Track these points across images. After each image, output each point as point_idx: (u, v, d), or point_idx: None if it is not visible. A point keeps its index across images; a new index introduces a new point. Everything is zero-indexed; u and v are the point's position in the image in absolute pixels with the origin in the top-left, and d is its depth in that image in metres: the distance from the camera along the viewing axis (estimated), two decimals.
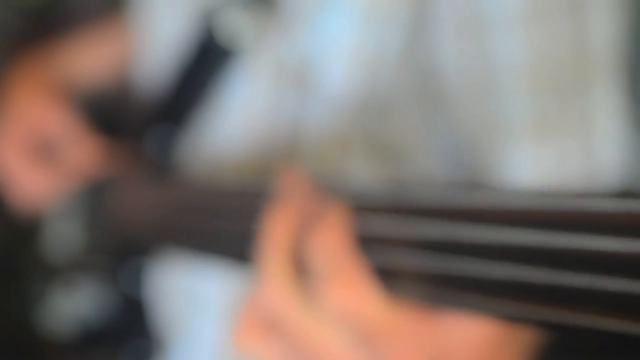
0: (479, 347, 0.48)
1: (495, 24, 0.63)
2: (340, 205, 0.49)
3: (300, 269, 0.50)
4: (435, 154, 0.70)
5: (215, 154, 0.74)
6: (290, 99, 0.70)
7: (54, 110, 0.88)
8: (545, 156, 0.65)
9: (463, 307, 0.43)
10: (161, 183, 0.75)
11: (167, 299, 0.80)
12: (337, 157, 0.70)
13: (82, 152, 0.85)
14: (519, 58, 0.63)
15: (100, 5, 1.06)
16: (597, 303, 0.35)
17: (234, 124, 0.73)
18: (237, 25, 0.70)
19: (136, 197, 0.77)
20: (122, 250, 0.81)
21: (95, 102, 0.91)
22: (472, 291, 0.42)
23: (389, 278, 0.47)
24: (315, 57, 0.68)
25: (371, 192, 0.52)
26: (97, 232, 0.84)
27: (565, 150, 0.65)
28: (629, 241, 0.34)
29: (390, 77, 0.67)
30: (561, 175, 0.65)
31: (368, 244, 0.48)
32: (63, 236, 0.88)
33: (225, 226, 0.60)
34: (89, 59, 0.93)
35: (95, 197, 0.83)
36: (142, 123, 0.80)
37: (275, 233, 0.51)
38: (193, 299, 0.77)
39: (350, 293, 0.47)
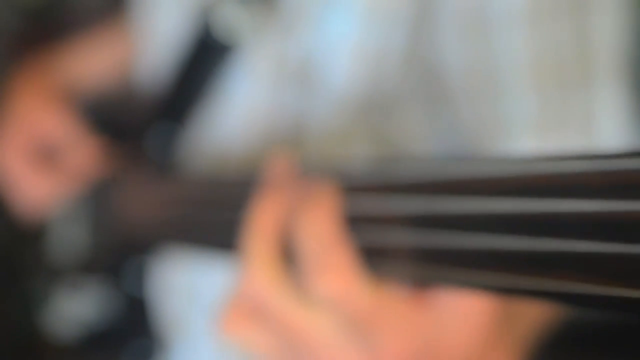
0: (471, 332, 0.48)
1: (498, 21, 0.63)
2: (327, 187, 0.49)
3: (288, 255, 0.50)
4: (439, 151, 0.70)
5: (217, 151, 0.74)
6: (293, 96, 0.70)
7: (56, 113, 0.88)
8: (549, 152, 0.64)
9: (449, 282, 0.43)
10: (163, 181, 0.75)
11: (170, 298, 0.80)
12: (340, 153, 0.69)
13: (84, 154, 0.85)
14: (522, 56, 0.64)
15: (100, 5, 1.06)
16: (580, 268, 0.35)
17: (236, 121, 0.73)
18: (234, 20, 0.70)
19: (139, 196, 0.77)
20: (125, 250, 0.81)
21: (97, 103, 0.91)
22: (456, 264, 0.41)
23: (377, 257, 0.47)
24: (318, 55, 0.68)
25: (355, 171, 0.51)
26: (101, 232, 0.84)
27: (567, 147, 0.65)
28: (601, 201, 0.33)
29: (393, 75, 0.67)
30: None
31: (355, 223, 0.48)
32: (66, 237, 0.88)
33: (226, 217, 0.60)
34: (90, 61, 0.93)
35: (98, 198, 0.83)
36: (143, 122, 0.80)
37: (260, 220, 0.51)
38: (195, 298, 0.77)
39: (339, 280, 0.47)
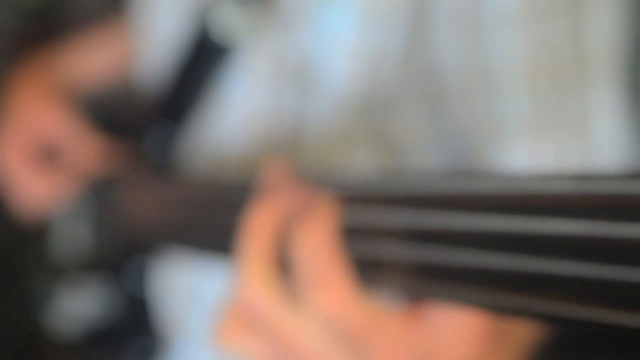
0: (465, 347, 0.48)
1: (494, 21, 0.63)
2: (326, 199, 0.49)
3: (284, 263, 0.50)
4: (436, 151, 0.70)
5: (216, 151, 0.75)
6: (292, 96, 0.70)
7: (55, 111, 0.88)
8: (543, 154, 0.65)
9: (440, 297, 0.43)
10: (163, 181, 0.75)
11: (171, 298, 0.80)
12: (339, 154, 0.70)
13: (84, 152, 0.85)
14: (517, 56, 0.64)
15: (100, 5, 1.06)
16: (567, 289, 0.35)
17: (235, 121, 0.73)
18: (231, 21, 0.70)
19: (138, 195, 0.77)
20: (127, 249, 0.81)
21: (97, 101, 0.91)
22: (446, 280, 0.41)
23: (369, 269, 0.47)
24: (317, 55, 0.68)
25: (352, 181, 0.51)
26: (102, 231, 0.84)
27: (562, 148, 0.65)
28: (588, 223, 0.33)
29: (391, 74, 0.68)
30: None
31: (350, 234, 0.48)
32: (68, 235, 0.88)
33: (224, 221, 0.60)
34: (89, 59, 0.94)
35: (99, 196, 0.83)
36: (143, 121, 0.80)
37: (256, 227, 0.50)
38: (196, 297, 0.77)
39: (334, 297, 0.46)
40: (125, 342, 0.82)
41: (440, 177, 0.43)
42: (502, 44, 0.63)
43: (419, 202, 0.43)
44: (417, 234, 0.43)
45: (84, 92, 0.92)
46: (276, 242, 0.50)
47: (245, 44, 0.71)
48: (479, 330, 0.48)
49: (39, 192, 0.87)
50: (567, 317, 0.35)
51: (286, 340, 0.48)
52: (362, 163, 0.70)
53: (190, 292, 0.77)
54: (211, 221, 0.63)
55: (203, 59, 0.74)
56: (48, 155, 0.87)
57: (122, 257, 0.82)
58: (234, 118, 0.73)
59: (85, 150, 0.85)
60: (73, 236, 0.88)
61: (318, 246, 0.47)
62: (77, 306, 0.84)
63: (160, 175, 0.76)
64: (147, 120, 0.79)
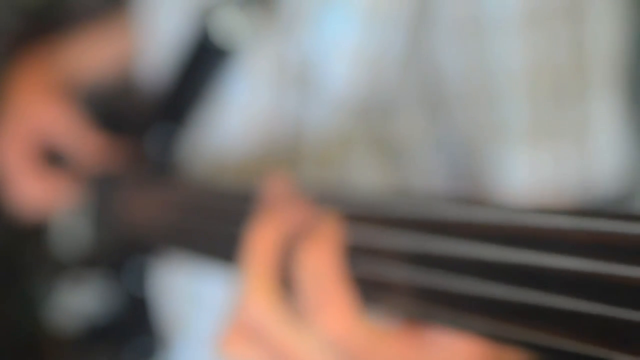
0: None
1: (494, 27, 0.63)
2: (331, 217, 0.49)
3: (286, 280, 0.49)
4: (436, 155, 0.70)
5: (217, 153, 0.74)
6: (292, 99, 0.70)
7: (56, 107, 0.88)
8: (542, 160, 0.65)
9: (438, 320, 0.43)
10: (163, 183, 0.75)
11: (170, 297, 0.80)
12: (339, 157, 0.70)
13: (85, 149, 0.85)
14: (517, 62, 0.64)
15: (100, 5, 1.06)
16: (557, 322, 0.35)
17: (235, 123, 0.73)
18: (232, 24, 0.70)
19: (139, 196, 0.77)
20: (127, 248, 0.81)
21: (98, 98, 0.91)
22: (444, 305, 0.42)
23: (369, 290, 0.47)
24: (317, 58, 0.68)
25: (358, 201, 0.51)
26: (102, 229, 0.84)
27: (561, 155, 0.65)
28: (587, 260, 0.34)
29: (392, 78, 0.68)
30: (557, 179, 0.65)
31: (352, 254, 0.47)
32: (69, 233, 0.88)
33: (225, 229, 0.60)
34: (90, 55, 0.93)
35: (100, 194, 0.83)
36: (144, 120, 0.80)
37: (258, 244, 0.50)
38: (196, 297, 0.77)
39: (338, 319, 0.46)
40: (125, 340, 0.82)
41: (447, 203, 0.43)
42: (503, 51, 0.64)
43: (424, 226, 0.43)
44: (419, 258, 0.43)
45: (85, 87, 0.92)
46: (279, 258, 0.50)
47: (246, 46, 0.71)
48: (476, 353, 0.48)
49: (39, 191, 0.87)
50: (563, 350, 0.35)
51: (287, 356, 0.48)
52: (361, 166, 0.70)
53: (190, 293, 0.77)
54: (208, 227, 0.63)
55: (204, 60, 0.74)
56: (48, 152, 0.87)
57: (122, 256, 0.82)
58: (235, 120, 0.73)
59: (86, 146, 0.85)
60: (73, 233, 0.87)
61: (322, 265, 0.47)
62: (77, 303, 0.84)
63: (160, 176, 0.76)
64: (147, 120, 0.79)
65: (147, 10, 0.81)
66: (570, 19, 0.63)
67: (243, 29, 0.71)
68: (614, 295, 0.33)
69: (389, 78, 0.68)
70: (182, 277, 0.78)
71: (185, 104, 0.76)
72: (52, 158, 0.87)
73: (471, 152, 0.67)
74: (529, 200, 0.65)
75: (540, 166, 0.65)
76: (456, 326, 0.41)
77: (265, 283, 0.49)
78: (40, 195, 0.87)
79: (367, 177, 0.70)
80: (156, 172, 0.77)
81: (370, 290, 0.46)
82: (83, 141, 0.85)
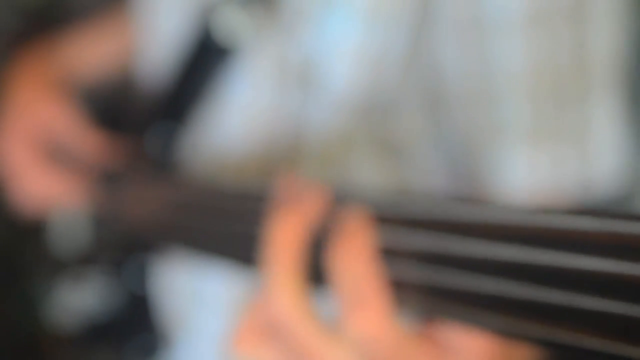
0: None
1: (496, 28, 0.63)
2: (361, 217, 0.48)
3: (312, 277, 0.49)
4: (437, 154, 0.70)
5: (218, 152, 0.74)
6: (294, 99, 0.70)
7: (56, 105, 0.87)
8: (542, 161, 0.65)
9: (456, 319, 0.43)
10: (164, 181, 0.75)
11: (172, 295, 0.80)
12: (341, 157, 0.70)
13: (84, 147, 0.85)
14: (518, 63, 0.64)
15: (100, 3, 1.06)
16: (580, 321, 0.35)
17: (236, 122, 0.73)
18: (233, 23, 0.70)
19: (139, 194, 0.77)
20: (128, 246, 0.81)
21: (98, 97, 0.91)
22: (463, 304, 0.42)
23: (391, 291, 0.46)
24: (319, 58, 0.68)
25: (375, 201, 0.50)
26: (103, 227, 0.84)
27: (562, 156, 0.65)
28: (611, 261, 0.34)
29: (393, 78, 0.68)
30: (557, 181, 0.65)
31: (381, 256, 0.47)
32: (69, 231, 0.88)
33: (227, 228, 0.60)
34: (90, 52, 0.93)
35: (100, 192, 0.83)
36: (144, 120, 0.80)
37: (282, 238, 0.49)
38: (197, 294, 0.77)
39: (373, 319, 0.45)
40: (126, 339, 0.82)
41: (465, 203, 0.43)
42: (504, 51, 0.64)
43: (442, 226, 0.43)
44: (434, 256, 0.43)
45: (85, 85, 0.91)
46: (304, 254, 0.49)
47: (247, 45, 0.71)
48: (492, 351, 0.48)
49: (40, 185, 0.87)
50: (581, 347, 0.36)
51: (307, 356, 0.47)
52: (363, 166, 0.70)
53: (191, 291, 0.77)
54: (209, 225, 0.63)
55: (205, 59, 0.74)
56: (48, 148, 0.87)
57: (123, 254, 0.82)
58: (236, 119, 0.73)
59: (85, 145, 0.85)
60: (73, 231, 0.87)
61: (359, 267, 0.46)
62: (78, 301, 0.84)
63: (160, 175, 0.76)
64: (148, 119, 0.79)
65: (147, 8, 0.81)
66: (571, 20, 0.63)
67: (244, 27, 0.70)
68: (634, 293, 0.33)
69: (390, 78, 0.68)
70: (184, 274, 0.78)
71: (186, 102, 0.76)
72: (53, 156, 0.87)
73: (471, 153, 0.67)
74: (529, 201, 0.65)
75: (540, 167, 0.65)
76: (474, 324, 0.41)
77: (292, 279, 0.48)
78: (44, 189, 0.87)
79: (368, 176, 0.70)
80: (157, 170, 0.77)
81: (391, 290, 0.46)
82: (82, 140, 0.85)
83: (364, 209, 0.48)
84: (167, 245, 0.74)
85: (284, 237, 0.49)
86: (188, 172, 0.76)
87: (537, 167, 0.65)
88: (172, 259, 0.77)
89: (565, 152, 0.65)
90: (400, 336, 0.46)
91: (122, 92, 0.90)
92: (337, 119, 0.69)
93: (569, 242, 0.36)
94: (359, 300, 0.46)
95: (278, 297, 0.48)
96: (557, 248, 0.36)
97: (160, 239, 0.74)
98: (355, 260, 0.46)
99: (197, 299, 0.77)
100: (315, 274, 0.49)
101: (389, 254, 0.46)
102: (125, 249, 0.82)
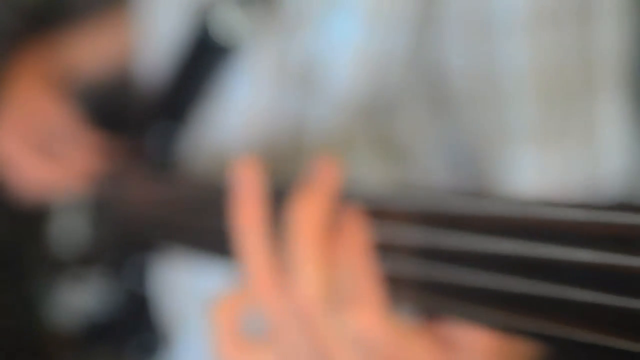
0: None
1: (502, 28, 0.63)
2: (357, 212, 0.48)
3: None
4: (441, 155, 0.70)
5: (218, 151, 0.74)
6: (295, 98, 0.70)
7: (53, 104, 0.88)
8: (549, 162, 0.64)
9: (454, 314, 0.43)
10: (163, 180, 0.75)
11: (172, 294, 0.80)
12: (342, 156, 0.69)
13: (82, 145, 0.85)
14: (524, 63, 0.63)
15: (99, 5, 1.06)
16: (573, 314, 0.35)
17: (237, 122, 0.73)
18: (232, 21, 0.70)
19: (138, 193, 0.77)
20: (127, 245, 0.81)
21: (97, 97, 0.91)
22: (457, 298, 0.42)
23: (387, 286, 0.46)
24: (321, 57, 0.68)
25: (371, 195, 0.50)
26: (102, 227, 0.84)
27: (568, 157, 0.65)
28: (603, 253, 0.34)
29: (396, 78, 0.67)
30: (564, 181, 0.65)
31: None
32: (68, 231, 0.88)
33: (227, 226, 0.59)
34: (89, 51, 0.93)
35: (99, 191, 0.83)
36: (143, 119, 0.79)
37: (308, 226, 0.47)
38: (197, 294, 0.76)
39: (370, 315, 0.46)
40: (126, 338, 0.82)
41: (461, 196, 0.43)
42: (510, 51, 0.63)
43: (439, 220, 0.43)
44: (434, 252, 0.43)
45: (83, 84, 0.91)
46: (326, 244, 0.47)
47: (246, 44, 0.71)
48: (495, 348, 0.48)
49: (39, 176, 0.87)
50: (577, 341, 0.35)
51: (322, 347, 0.46)
52: (364, 166, 0.69)
53: (191, 289, 0.77)
54: (209, 223, 0.63)
55: (204, 58, 0.73)
56: (47, 146, 0.87)
57: (122, 253, 0.82)
58: (236, 119, 0.73)
59: (83, 143, 0.85)
60: (72, 231, 0.87)
61: (353, 262, 0.46)
62: (78, 301, 0.84)
63: (159, 174, 0.76)
64: (147, 118, 0.79)
65: (146, 7, 0.81)
66: (578, 20, 0.63)
67: (243, 26, 0.70)
68: (629, 286, 0.33)
69: (392, 78, 0.68)
70: (183, 273, 0.77)
71: (185, 101, 0.76)
72: (49, 152, 0.87)
73: (477, 153, 0.67)
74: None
75: (547, 167, 0.65)
76: (472, 319, 0.41)
77: (322, 274, 0.46)
78: (41, 175, 0.87)
79: (370, 176, 0.70)
80: (156, 170, 0.77)
81: (388, 285, 0.46)
82: (80, 138, 0.85)
83: (358, 204, 0.48)
84: (167, 245, 0.74)
85: (309, 225, 0.47)
86: (188, 170, 0.76)
87: (544, 168, 0.65)
88: (172, 258, 0.77)
89: (572, 152, 0.64)
90: (399, 332, 0.46)
91: (121, 92, 0.90)
92: (338, 119, 0.69)
93: (561, 234, 0.36)
94: (356, 295, 0.46)
95: (303, 286, 0.46)
96: (550, 240, 0.36)
97: (160, 239, 0.74)
98: (351, 255, 0.46)
99: (197, 298, 0.77)
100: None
101: (384, 249, 0.46)
102: (125, 249, 0.81)
